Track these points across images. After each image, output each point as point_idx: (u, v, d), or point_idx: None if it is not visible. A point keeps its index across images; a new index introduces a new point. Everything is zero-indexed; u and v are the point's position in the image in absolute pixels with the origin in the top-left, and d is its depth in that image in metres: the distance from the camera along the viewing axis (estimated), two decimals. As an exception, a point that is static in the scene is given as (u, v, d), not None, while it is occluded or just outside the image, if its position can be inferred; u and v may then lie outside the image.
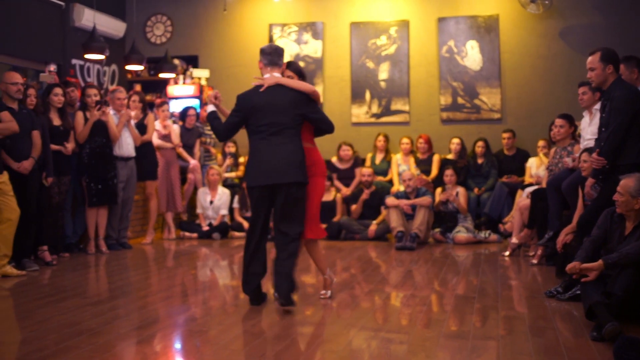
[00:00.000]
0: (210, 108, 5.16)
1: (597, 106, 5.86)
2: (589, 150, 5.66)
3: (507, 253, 7.31)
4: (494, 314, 4.78)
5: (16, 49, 8.66)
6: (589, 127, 6.20)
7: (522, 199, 7.65)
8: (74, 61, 9.65)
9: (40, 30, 9.06)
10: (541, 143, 8.88)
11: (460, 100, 10.18)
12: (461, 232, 8.38)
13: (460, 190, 8.66)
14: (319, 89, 10.58)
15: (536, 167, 8.78)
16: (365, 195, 9.01)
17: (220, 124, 5.07)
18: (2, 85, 6.49)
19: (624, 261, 4.32)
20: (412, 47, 10.37)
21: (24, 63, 8.96)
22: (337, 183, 9.53)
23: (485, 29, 10.11)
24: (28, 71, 9.07)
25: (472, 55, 10.15)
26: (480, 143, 9.45)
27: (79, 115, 7.61)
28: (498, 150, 9.62)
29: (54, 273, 6.51)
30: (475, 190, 9.16)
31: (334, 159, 9.82)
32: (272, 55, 5.04)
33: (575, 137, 6.93)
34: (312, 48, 10.65)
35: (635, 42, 9.10)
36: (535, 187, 7.67)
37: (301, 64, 10.60)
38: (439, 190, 8.81)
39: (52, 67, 8.99)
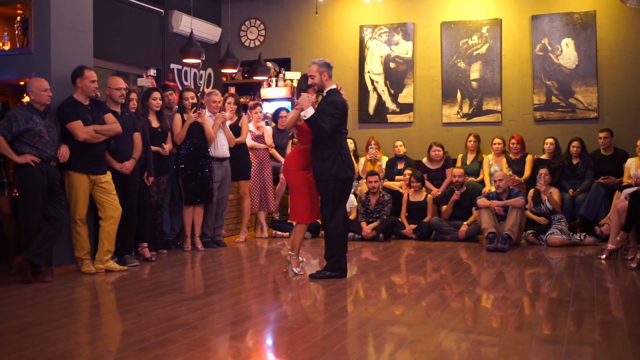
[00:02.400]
0: (310, 112, 5.78)
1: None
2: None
3: (603, 256, 7.09)
4: (589, 319, 4.66)
5: (119, 54, 9.09)
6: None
7: (620, 200, 7.39)
8: (172, 65, 10.03)
9: (141, 36, 9.48)
10: (641, 143, 8.56)
11: (554, 100, 9.92)
12: (555, 234, 8.18)
13: (554, 190, 8.45)
14: (409, 89, 10.59)
15: (635, 167, 8.46)
16: (455, 196, 8.92)
17: (327, 125, 5.83)
18: (107, 89, 6.84)
19: None
20: (505, 46, 10.20)
21: (126, 68, 9.38)
22: (428, 184, 9.48)
23: (582, 26, 9.81)
24: (129, 76, 9.49)
25: (567, 53, 9.88)
26: (575, 143, 9.19)
27: (177, 117, 7.90)
28: (594, 151, 9.31)
29: (153, 269, 6.79)
30: (570, 191, 8.91)
31: (425, 160, 9.78)
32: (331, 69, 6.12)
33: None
34: (403, 49, 10.64)
35: None
36: (634, 188, 7.40)
37: (392, 65, 10.65)
38: (531, 191, 8.61)
39: (152, 72, 9.38)
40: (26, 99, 6.56)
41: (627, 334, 4.23)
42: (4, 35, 6.76)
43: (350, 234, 8.92)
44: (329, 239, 6.07)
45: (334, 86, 6.04)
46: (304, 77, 6.23)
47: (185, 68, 10.32)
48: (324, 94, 6.06)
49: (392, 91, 10.67)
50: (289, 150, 9.68)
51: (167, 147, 7.66)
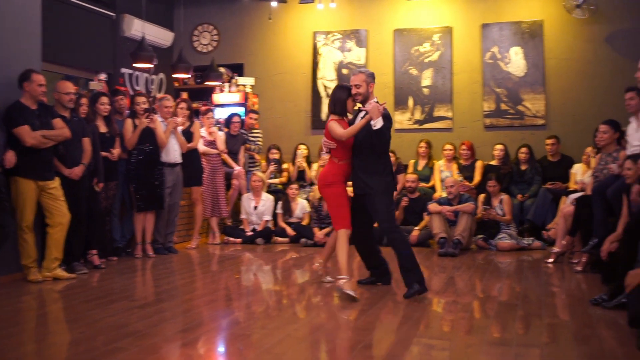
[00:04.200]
0: (380, 123, 5.44)
1: (645, 112, 5.78)
2: (632, 157, 5.59)
3: (550, 260, 7.24)
4: (537, 322, 4.76)
5: (69, 58, 8.92)
6: (635, 134, 6.13)
7: (567, 205, 7.57)
8: (123, 70, 9.90)
9: (91, 40, 9.33)
10: (589, 150, 8.75)
11: (503, 107, 10.11)
12: (504, 239, 8.33)
13: (505, 197, 8.61)
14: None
15: (581, 173, 8.67)
16: (404, 202, 9.01)
17: (390, 138, 5.73)
18: (56, 94, 6.71)
19: None
20: (456, 54, 10.35)
21: (76, 72, 9.22)
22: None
23: (530, 35, 10.03)
24: (79, 80, 9.33)
25: (516, 61, 10.08)
26: (523, 149, 9.38)
27: (128, 122, 7.80)
28: (542, 157, 9.52)
29: (103, 276, 6.68)
30: (519, 196, 9.08)
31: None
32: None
33: (621, 143, 6.83)
34: (356, 55, 10.71)
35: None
36: (580, 193, 7.59)
37: (345, 71, 10.70)
38: (481, 196, 8.76)
39: (103, 76, 9.24)
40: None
41: (573, 335, 4.33)
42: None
43: (303, 240, 8.94)
44: (401, 247, 5.62)
45: (375, 99, 5.73)
46: (342, 88, 5.88)
47: (136, 73, 10.19)
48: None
49: (345, 97, 10.70)
50: (241, 156, 9.64)
51: (116, 152, 7.55)
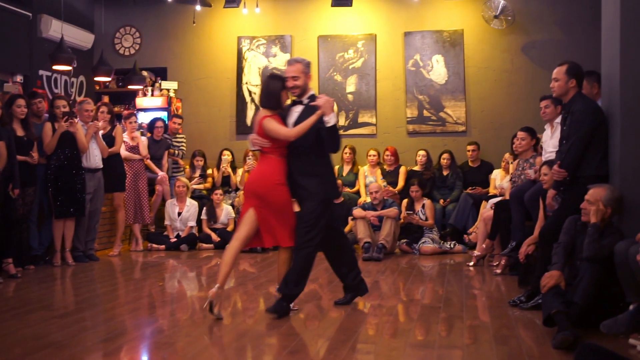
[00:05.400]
0: (334, 119, 4.95)
1: (559, 119, 6.00)
2: (548, 163, 5.80)
3: (471, 263, 7.42)
4: (459, 323, 4.87)
5: (-19, 59, 8.58)
6: (550, 140, 6.35)
7: (486, 210, 7.79)
8: (41, 72, 9.58)
9: (6, 40, 8.99)
10: (507, 156, 9.02)
11: (426, 113, 10.33)
12: (427, 243, 8.49)
13: (427, 202, 8.78)
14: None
15: (500, 178, 8.93)
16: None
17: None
18: (-33, 96, 6.45)
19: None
20: (379, 61, 10.51)
21: (-10, 74, 8.88)
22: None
23: (450, 44, 10.29)
24: (-7, 82, 8.99)
25: (437, 69, 10.32)
26: (445, 155, 9.60)
27: (47, 126, 7.56)
28: (463, 162, 9.77)
29: (19, 285, 6.44)
30: (441, 201, 9.28)
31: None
32: None
33: (537, 149, 7.08)
34: (281, 61, 10.71)
35: (595, 58, 9.21)
36: (499, 198, 7.82)
37: (269, 76, 10.67)
38: (405, 201, 8.91)
39: (19, 78, 8.93)
40: None
41: (493, 336, 4.45)
42: None
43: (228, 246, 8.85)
44: (304, 263, 5.07)
45: (312, 92, 5.20)
46: (275, 78, 5.21)
47: (55, 75, 9.89)
48: (304, 100, 5.15)
49: (270, 103, 10.70)
50: (165, 161, 9.50)
51: (36, 155, 7.31)
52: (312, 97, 5.11)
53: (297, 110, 5.15)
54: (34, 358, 3.95)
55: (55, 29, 9.44)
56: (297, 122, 5.07)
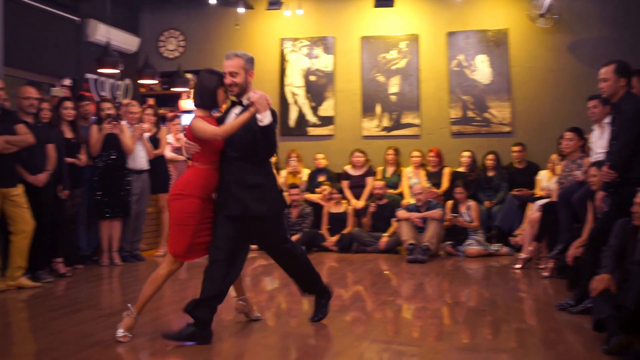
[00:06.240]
0: (269, 118, 4.31)
1: (608, 120, 5.87)
2: (597, 164, 5.68)
3: (518, 266, 7.32)
4: (505, 327, 4.80)
5: (32, 63, 8.76)
6: (599, 141, 6.22)
7: (533, 211, 7.66)
8: (88, 75, 9.76)
9: (55, 45, 9.18)
10: (553, 157, 8.86)
11: (470, 114, 10.21)
12: (472, 245, 8.39)
13: (472, 204, 8.68)
14: (330, 102, 10.66)
15: (547, 180, 8.78)
16: (371, 207, 9.05)
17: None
18: (17, 99, 6.60)
19: None
20: (422, 61, 10.43)
21: (40, 77, 9.06)
22: (347, 193, 9.57)
23: (495, 43, 10.16)
24: (43, 85, 9.18)
25: (481, 69, 10.19)
26: (490, 156, 9.48)
27: (94, 128, 7.70)
28: (508, 163, 9.63)
29: (69, 285, 6.57)
30: (486, 203, 9.16)
31: (347, 167, 9.89)
32: None
33: (584, 150, 6.94)
34: (323, 62, 10.72)
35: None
36: (546, 200, 7.69)
37: (312, 78, 10.71)
38: (449, 203, 8.82)
39: (67, 82, 9.11)
40: None
41: (540, 340, 4.38)
42: None
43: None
44: (221, 281, 4.47)
45: (253, 91, 4.51)
46: (211, 74, 4.59)
47: (101, 78, 10.06)
48: (244, 100, 4.51)
49: (313, 104, 10.73)
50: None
51: (83, 157, 7.46)
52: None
53: (236, 111, 4.50)
54: (82, 356, 4.01)
55: (102, 33, 9.60)
56: None
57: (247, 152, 4.39)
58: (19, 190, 6.27)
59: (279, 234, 4.66)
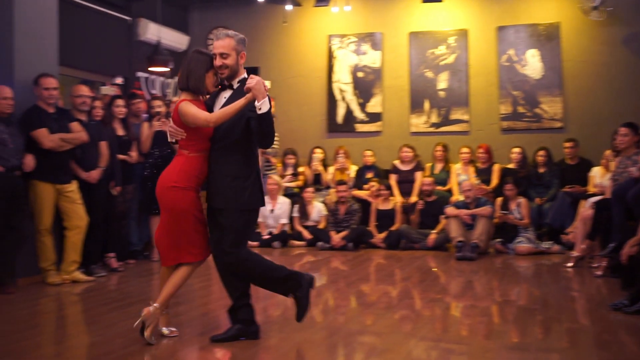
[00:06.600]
0: (267, 104, 4.02)
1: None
2: (654, 160, 5.53)
3: (570, 264, 7.18)
4: (556, 326, 4.71)
5: (86, 63, 8.96)
6: (655, 136, 6.06)
7: (586, 209, 7.50)
8: (139, 74, 9.94)
9: (107, 44, 9.37)
10: (607, 153, 8.64)
11: (520, 109, 10.05)
12: (522, 243, 8.27)
13: (522, 201, 8.55)
14: (377, 99, 10.62)
15: (600, 176, 8.58)
16: (419, 205, 8.99)
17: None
18: (70, 97, 6.76)
19: None
20: (472, 57, 10.30)
21: (92, 76, 9.26)
22: (395, 189, 9.52)
23: (546, 37, 9.97)
24: (95, 84, 9.37)
25: (532, 64, 10.02)
26: (541, 152, 9.31)
27: (145, 126, 7.83)
28: (560, 160, 9.44)
29: (121, 279, 6.70)
30: (537, 200, 9.01)
31: (396, 162, 9.85)
32: None
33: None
34: (371, 58, 10.68)
35: None
36: (599, 197, 7.52)
37: (360, 74, 10.68)
38: (499, 200, 8.70)
39: (119, 80, 9.29)
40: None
41: (593, 340, 4.28)
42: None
43: (320, 243, 8.92)
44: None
45: (245, 74, 4.24)
46: (200, 55, 4.26)
47: (152, 76, 10.23)
48: (235, 83, 4.23)
49: (361, 100, 10.71)
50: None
51: (134, 154, 7.59)
52: (243, 82, 4.17)
53: (226, 95, 4.24)
54: (134, 349, 4.09)
55: (153, 31, 9.76)
56: None
57: (236, 142, 4.16)
58: (73, 187, 6.43)
59: (230, 236, 4.24)
